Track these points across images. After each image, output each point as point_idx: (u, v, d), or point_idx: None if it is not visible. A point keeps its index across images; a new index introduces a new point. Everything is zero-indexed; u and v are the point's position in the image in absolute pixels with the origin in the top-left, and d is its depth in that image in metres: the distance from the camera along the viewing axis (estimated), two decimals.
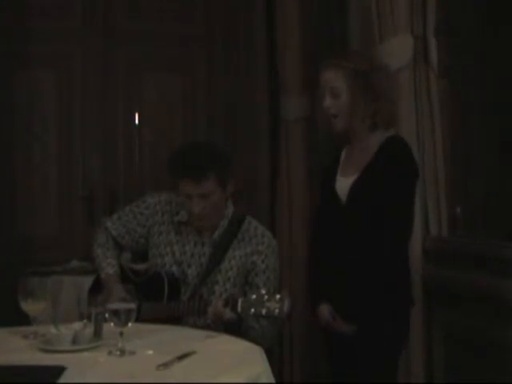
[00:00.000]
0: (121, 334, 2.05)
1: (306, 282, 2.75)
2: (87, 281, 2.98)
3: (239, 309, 2.37)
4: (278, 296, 2.32)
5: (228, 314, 2.41)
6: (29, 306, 2.25)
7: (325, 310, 2.56)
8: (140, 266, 2.92)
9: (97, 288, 2.80)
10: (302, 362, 3.96)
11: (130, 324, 2.07)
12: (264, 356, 2.09)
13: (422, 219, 3.10)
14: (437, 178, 3.16)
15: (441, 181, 3.17)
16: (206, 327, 2.51)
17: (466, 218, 3.48)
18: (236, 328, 2.43)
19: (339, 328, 2.52)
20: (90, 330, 2.17)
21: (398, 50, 3.12)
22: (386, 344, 2.51)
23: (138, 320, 2.26)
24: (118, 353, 2.03)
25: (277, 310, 2.31)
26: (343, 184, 2.59)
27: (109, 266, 2.80)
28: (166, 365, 1.91)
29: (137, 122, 4.48)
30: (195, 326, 2.57)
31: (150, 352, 2.08)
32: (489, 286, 2.74)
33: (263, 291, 2.38)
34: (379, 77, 2.61)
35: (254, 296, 2.36)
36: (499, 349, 2.71)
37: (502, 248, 2.74)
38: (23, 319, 2.31)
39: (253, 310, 2.34)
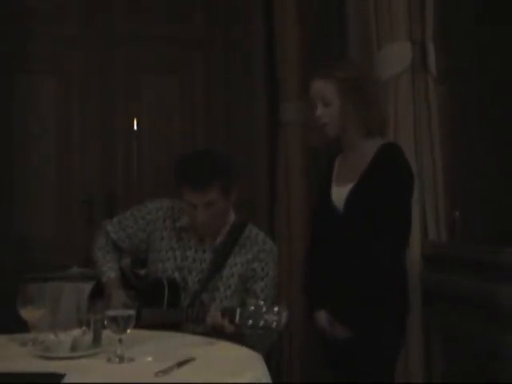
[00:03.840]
0: (120, 340, 2.05)
1: (303, 288, 2.75)
2: (87, 287, 2.97)
3: (237, 319, 2.38)
4: (276, 309, 2.33)
5: (229, 327, 2.42)
6: (28, 313, 2.25)
7: (321, 315, 2.56)
8: (141, 271, 2.92)
9: (96, 294, 2.80)
10: (301, 366, 3.97)
11: (129, 331, 2.07)
12: (263, 362, 2.09)
13: (421, 224, 3.10)
14: (435, 183, 3.16)
15: (439, 186, 3.17)
16: (205, 334, 2.51)
17: (465, 223, 3.49)
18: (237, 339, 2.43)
19: (336, 333, 2.52)
20: (89, 336, 2.16)
21: (396, 56, 3.13)
22: (382, 350, 2.52)
23: (137, 326, 2.26)
24: (117, 359, 2.03)
25: (275, 323, 2.32)
26: (339, 193, 2.59)
27: (110, 270, 2.80)
28: (165, 371, 1.91)
29: (135, 124, 4.48)
30: (194, 332, 2.57)
31: (150, 359, 2.08)
32: (487, 291, 2.74)
33: (261, 303, 2.38)
34: (369, 83, 2.62)
35: (252, 307, 2.37)
36: (496, 353, 2.71)
37: (500, 253, 2.74)
38: (22, 325, 2.31)
39: (251, 321, 2.34)
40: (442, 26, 3.38)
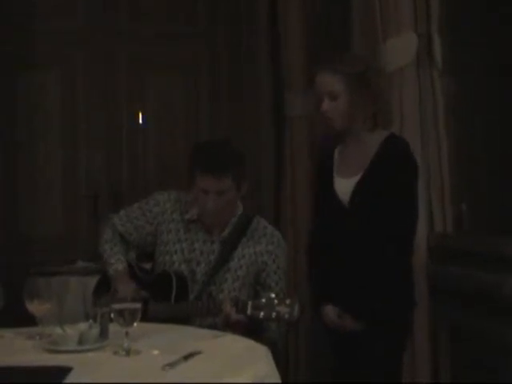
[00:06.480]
0: (126, 333, 2.05)
1: (308, 282, 2.74)
2: (92, 281, 2.98)
3: (249, 312, 2.38)
4: (288, 301, 2.34)
5: (234, 315, 2.42)
6: (35, 307, 2.26)
7: (329, 309, 2.55)
8: (146, 265, 2.92)
9: (102, 288, 2.81)
10: (308, 360, 3.96)
11: (135, 324, 2.07)
12: (270, 355, 2.09)
13: (427, 216, 3.10)
14: (441, 176, 3.16)
15: (445, 178, 3.17)
16: (212, 327, 2.51)
17: (471, 215, 3.49)
18: (243, 330, 2.43)
19: (348, 326, 2.51)
20: (95, 330, 2.17)
21: (401, 48, 3.12)
22: (388, 344, 2.50)
23: (145, 319, 2.26)
24: (124, 353, 2.04)
25: (287, 315, 2.33)
26: (344, 185, 2.56)
27: (118, 262, 2.80)
28: (171, 364, 1.91)
29: (140, 121, 4.48)
30: (201, 325, 2.57)
31: (156, 352, 2.08)
32: (493, 283, 2.74)
33: (273, 295, 2.40)
34: (375, 77, 2.59)
35: (263, 300, 2.38)
36: (503, 346, 2.71)
37: (507, 245, 2.74)
38: (29, 319, 2.32)
39: (262, 313, 2.36)
40: (447, 18, 3.36)
